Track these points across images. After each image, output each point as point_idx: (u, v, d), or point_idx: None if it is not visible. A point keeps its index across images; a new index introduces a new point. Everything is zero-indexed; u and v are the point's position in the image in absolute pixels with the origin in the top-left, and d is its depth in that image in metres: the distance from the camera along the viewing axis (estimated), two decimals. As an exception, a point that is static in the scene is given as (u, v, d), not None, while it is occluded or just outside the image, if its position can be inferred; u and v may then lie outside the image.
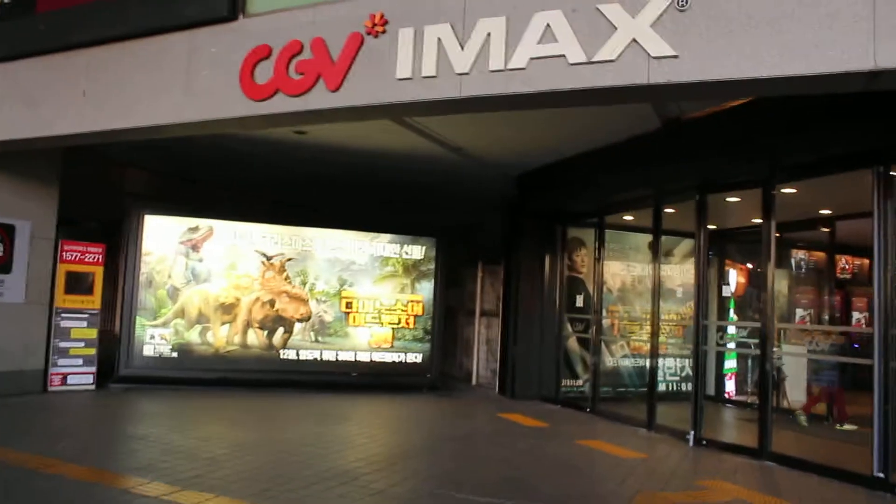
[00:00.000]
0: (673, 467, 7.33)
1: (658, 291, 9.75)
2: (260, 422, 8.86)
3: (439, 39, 5.86)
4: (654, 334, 9.70)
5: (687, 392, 12.66)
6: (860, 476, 6.75)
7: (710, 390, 12.73)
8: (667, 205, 9.64)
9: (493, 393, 12.71)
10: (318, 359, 11.81)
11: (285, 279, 11.77)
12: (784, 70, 4.80)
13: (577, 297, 12.17)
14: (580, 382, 12.18)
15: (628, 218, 11.66)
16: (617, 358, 12.27)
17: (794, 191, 8.43)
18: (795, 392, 12.38)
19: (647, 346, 12.42)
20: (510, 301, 12.49)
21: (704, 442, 8.46)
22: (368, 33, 6.15)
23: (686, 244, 12.92)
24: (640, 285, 12.61)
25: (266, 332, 11.66)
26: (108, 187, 12.24)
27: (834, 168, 7.36)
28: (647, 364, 12.40)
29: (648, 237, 12.65)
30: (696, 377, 8.83)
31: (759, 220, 10.47)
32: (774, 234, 7.91)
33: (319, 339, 11.86)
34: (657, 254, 9.81)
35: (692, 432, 8.58)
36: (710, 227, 9.11)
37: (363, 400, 11.07)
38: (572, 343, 12.19)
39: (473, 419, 9.90)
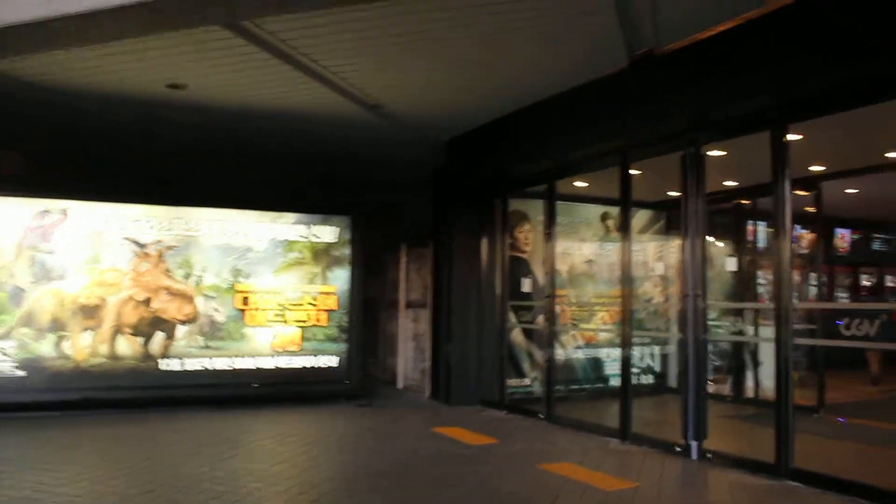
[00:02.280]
0: (678, 501, 5.51)
1: (629, 271, 7.88)
2: (116, 463, 6.52)
3: None
4: (626, 321, 7.84)
5: (647, 386, 11.06)
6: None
7: (672, 381, 11.19)
8: (636, 162, 7.77)
9: (423, 398, 10.73)
10: (209, 368, 9.57)
11: (164, 272, 9.47)
12: None
13: (522, 280, 10.28)
14: (527, 382, 10.33)
15: (581, 185, 9.84)
16: (568, 350, 10.46)
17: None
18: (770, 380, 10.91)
19: (602, 336, 10.79)
20: (441, 289, 10.52)
21: (709, 455, 6.67)
22: None
23: (643, 215, 11.27)
24: (595, 265, 10.87)
25: (141, 339, 9.35)
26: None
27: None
28: (607, 356, 10.74)
29: (601, 209, 11.01)
30: (687, 373, 6.98)
31: (730, 183, 8.94)
32: (789, 193, 6.14)
33: (210, 344, 9.62)
34: (626, 224, 7.93)
35: (692, 443, 6.79)
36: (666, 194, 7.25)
37: (266, 417, 8.93)
38: (516, 335, 10.32)
39: (403, 438, 7.87)
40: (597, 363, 10.74)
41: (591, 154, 8.10)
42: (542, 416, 8.93)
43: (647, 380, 11.09)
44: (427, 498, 5.49)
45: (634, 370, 11.01)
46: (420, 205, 11.66)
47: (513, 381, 10.10)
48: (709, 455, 6.67)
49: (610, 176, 8.26)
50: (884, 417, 8.89)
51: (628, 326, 7.83)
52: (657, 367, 11.19)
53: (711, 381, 11.74)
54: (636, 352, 11.03)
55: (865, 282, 15.56)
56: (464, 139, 10.04)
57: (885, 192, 10.45)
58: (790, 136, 6.17)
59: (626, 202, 7.90)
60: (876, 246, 15.24)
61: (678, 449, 6.92)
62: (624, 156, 7.76)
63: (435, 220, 10.89)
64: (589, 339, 10.76)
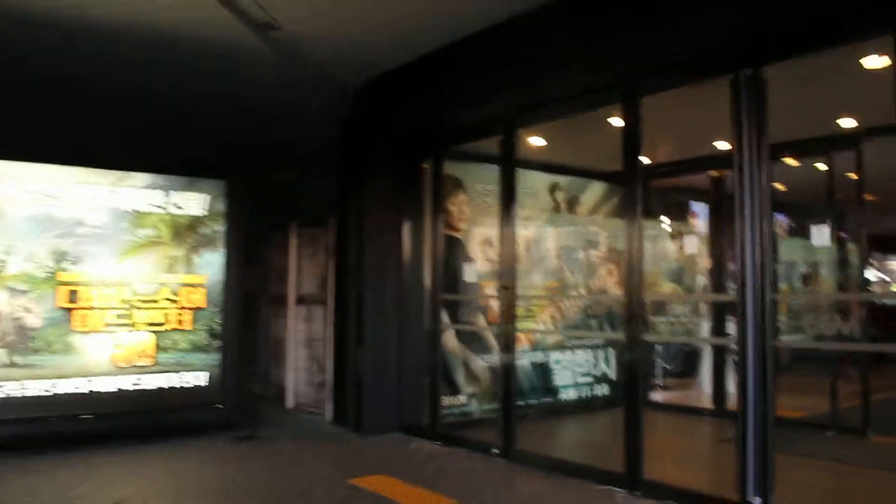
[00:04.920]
0: None
1: (639, 255, 5.58)
2: None
3: None
4: (634, 318, 5.55)
5: (602, 398, 8.97)
6: None
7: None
8: (650, 93, 5.49)
9: (324, 423, 8.15)
10: (16, 396, 6.58)
11: (-54, 254, 6.43)
12: None
13: (463, 268, 7.90)
14: (462, 399, 7.97)
15: (537, 142, 7.57)
16: (523, 357, 8.23)
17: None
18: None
19: (554, 339, 8.68)
20: (348, 280, 7.97)
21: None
22: None
23: (595, 190, 9.22)
24: (554, 248, 8.71)
25: None
26: None
27: None
28: (567, 363, 8.70)
29: (553, 179, 8.85)
30: (746, 396, 4.77)
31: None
32: None
33: (17, 359, 6.61)
34: (633, 193, 5.59)
35: (755, 500, 4.61)
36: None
37: (101, 468, 6.09)
38: (449, 340, 7.93)
39: (311, 503, 5.27)
40: (544, 371, 8.55)
41: (574, 89, 5.79)
42: (496, 451, 6.56)
43: (602, 390, 9.01)
44: None
45: (588, 379, 8.99)
46: (316, 171, 9.06)
47: (444, 400, 7.71)
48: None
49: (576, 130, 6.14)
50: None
51: (638, 324, 5.57)
52: (611, 374, 9.11)
53: (661, 387, 9.95)
54: (590, 355, 8.99)
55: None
56: (383, 81, 7.54)
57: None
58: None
59: (632, 160, 5.60)
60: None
61: (747, 512, 4.75)
62: (631, 85, 5.49)
63: (340, 190, 8.29)
64: (533, 343, 8.55)
